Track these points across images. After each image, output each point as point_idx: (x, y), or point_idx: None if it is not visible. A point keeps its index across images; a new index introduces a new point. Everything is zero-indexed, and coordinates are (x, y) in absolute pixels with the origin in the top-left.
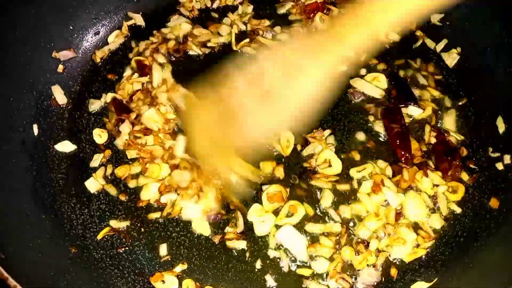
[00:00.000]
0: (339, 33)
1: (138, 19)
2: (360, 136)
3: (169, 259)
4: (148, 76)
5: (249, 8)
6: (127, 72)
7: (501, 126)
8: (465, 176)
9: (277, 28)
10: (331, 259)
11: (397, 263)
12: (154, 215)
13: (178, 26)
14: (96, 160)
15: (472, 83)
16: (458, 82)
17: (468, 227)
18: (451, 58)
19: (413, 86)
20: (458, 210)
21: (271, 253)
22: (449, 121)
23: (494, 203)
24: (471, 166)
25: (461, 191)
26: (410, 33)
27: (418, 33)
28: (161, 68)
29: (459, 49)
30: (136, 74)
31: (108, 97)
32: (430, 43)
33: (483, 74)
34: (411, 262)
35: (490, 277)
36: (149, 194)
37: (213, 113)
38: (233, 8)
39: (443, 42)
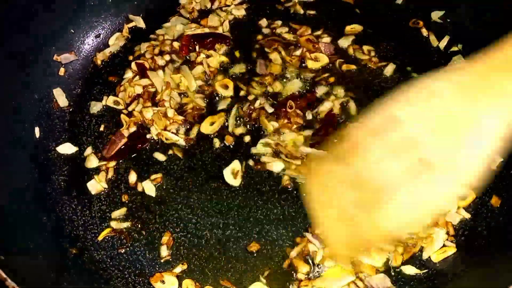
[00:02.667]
0: None
1: (139, 21)
2: None
3: (169, 259)
4: (149, 78)
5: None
6: (128, 74)
7: None
8: None
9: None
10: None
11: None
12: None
13: (174, 27)
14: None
15: None
16: None
17: (469, 226)
18: (453, 56)
19: None
20: (467, 215)
21: None
22: None
23: (495, 201)
24: None
25: (471, 197)
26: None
27: (424, 31)
28: (163, 71)
29: (460, 46)
30: (137, 77)
31: (109, 100)
32: (433, 40)
33: None
34: (409, 261)
35: (491, 277)
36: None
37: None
38: None
39: (445, 39)
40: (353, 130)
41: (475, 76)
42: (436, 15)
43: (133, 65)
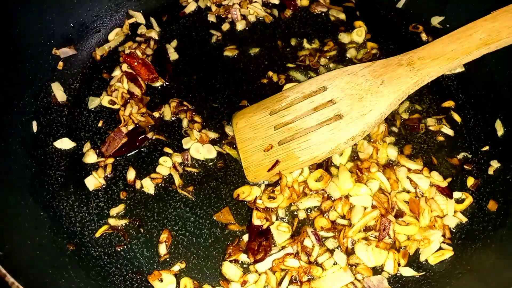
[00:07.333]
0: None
1: (139, 17)
2: None
3: (168, 258)
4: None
5: None
6: (116, 72)
7: (499, 129)
8: (470, 181)
9: None
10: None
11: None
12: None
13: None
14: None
15: (472, 86)
16: (458, 85)
17: (466, 230)
18: None
19: None
20: (464, 219)
21: None
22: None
23: (492, 206)
24: (470, 168)
25: (468, 201)
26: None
27: (423, 35)
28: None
29: None
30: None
31: (104, 100)
32: None
33: (482, 77)
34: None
35: (488, 279)
36: None
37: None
38: None
39: None
40: (287, 90)
41: (383, 66)
42: (436, 20)
43: (123, 66)
